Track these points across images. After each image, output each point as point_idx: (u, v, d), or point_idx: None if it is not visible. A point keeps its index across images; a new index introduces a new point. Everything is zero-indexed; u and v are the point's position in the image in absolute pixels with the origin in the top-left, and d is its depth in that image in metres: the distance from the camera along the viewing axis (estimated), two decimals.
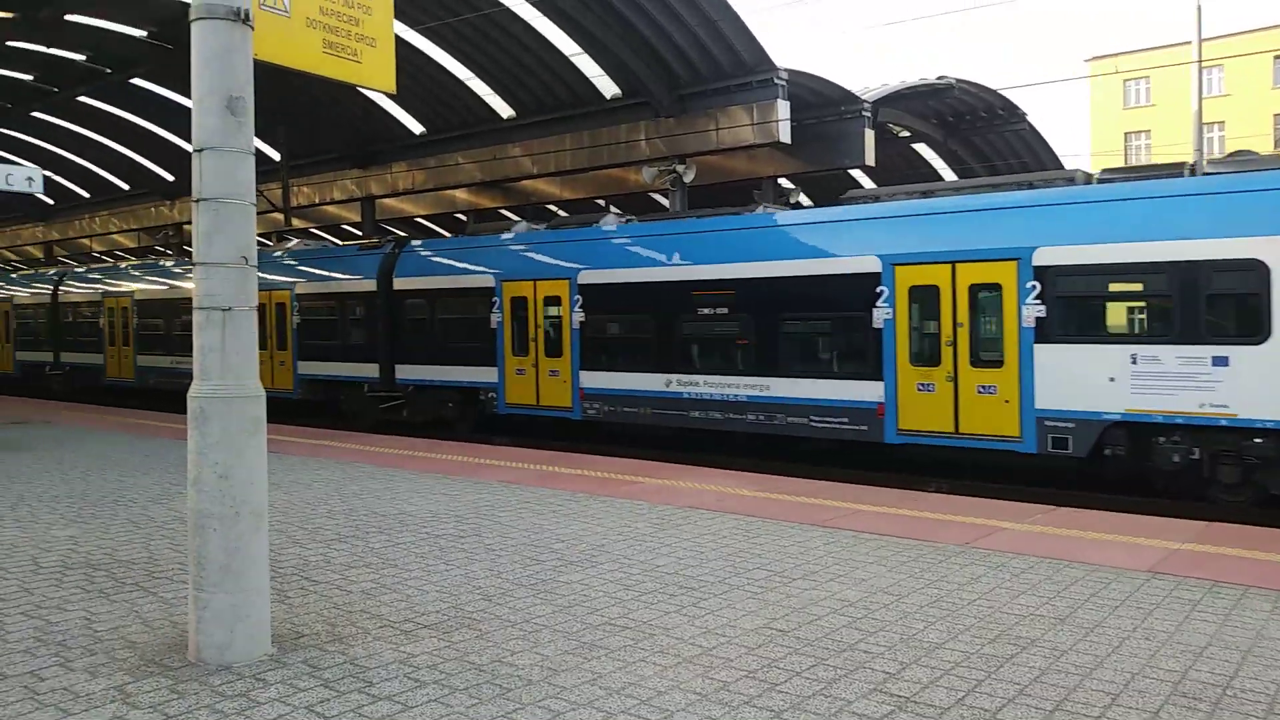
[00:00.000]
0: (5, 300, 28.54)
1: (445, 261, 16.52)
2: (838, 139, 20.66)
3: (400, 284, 16.96)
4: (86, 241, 42.69)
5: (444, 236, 19.20)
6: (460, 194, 29.62)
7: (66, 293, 26.00)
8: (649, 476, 9.54)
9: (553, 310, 14.60)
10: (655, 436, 14.62)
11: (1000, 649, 4.51)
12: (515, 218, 32.18)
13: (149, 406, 20.69)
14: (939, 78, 22.05)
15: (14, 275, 30.41)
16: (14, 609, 5.21)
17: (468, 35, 21.39)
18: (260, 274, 17.49)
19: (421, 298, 16.71)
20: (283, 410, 18.25)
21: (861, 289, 11.30)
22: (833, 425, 11.63)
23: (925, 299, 10.97)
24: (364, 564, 6.15)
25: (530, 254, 15.26)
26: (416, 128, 27.46)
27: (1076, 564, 6.02)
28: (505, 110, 24.82)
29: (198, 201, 4.06)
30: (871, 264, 11.26)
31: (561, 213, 32.07)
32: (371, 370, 17.19)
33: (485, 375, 15.42)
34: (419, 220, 37.52)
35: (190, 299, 14.84)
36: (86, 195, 40.34)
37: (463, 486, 9.04)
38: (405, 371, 16.81)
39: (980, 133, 25.83)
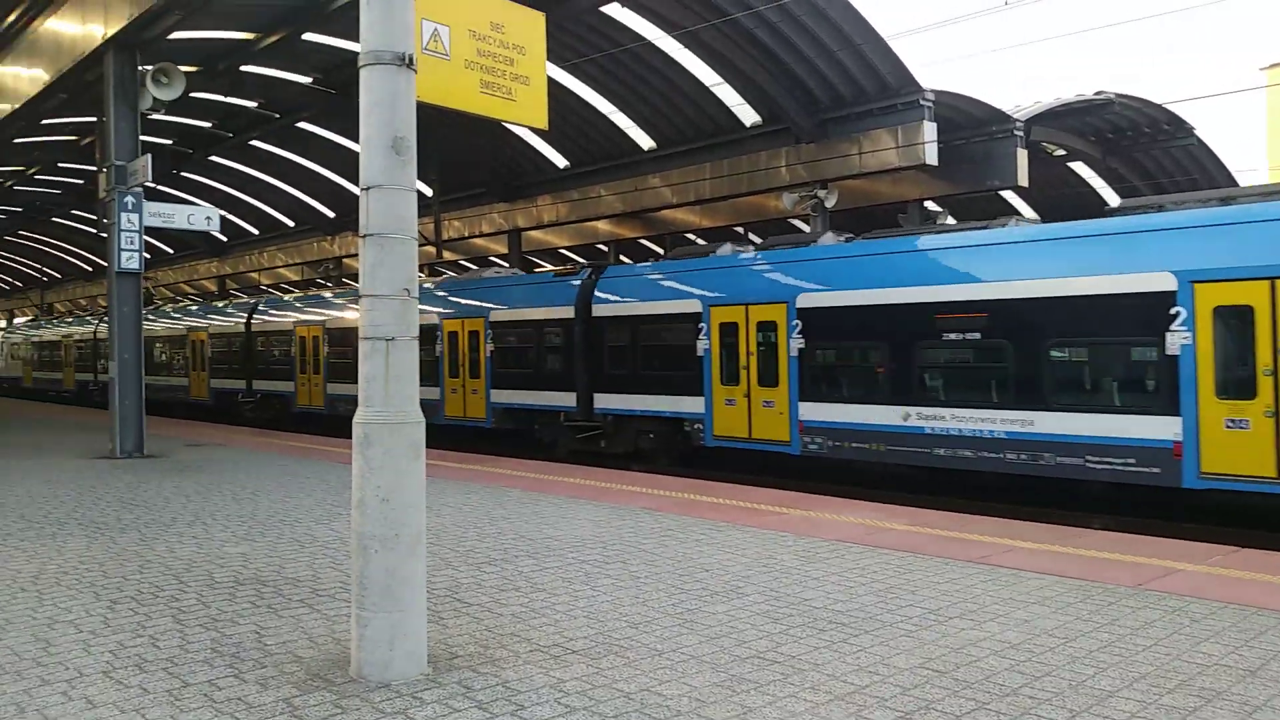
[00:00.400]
0: (201, 330, 30.13)
1: (647, 286, 16.00)
2: (987, 160, 20.01)
3: (599, 310, 16.56)
4: (255, 275, 45.63)
5: (647, 260, 19.04)
6: (602, 225, 30.20)
7: (260, 322, 26.68)
8: (792, 508, 9.39)
9: (767, 336, 13.74)
10: (890, 475, 13.39)
11: (1181, 700, 4.19)
12: (655, 248, 32.45)
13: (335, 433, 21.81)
14: (1097, 93, 21.09)
15: (210, 305, 32.19)
16: (193, 621, 5.54)
17: (611, 70, 21.86)
18: (455, 299, 18.06)
19: (622, 324, 16.22)
20: (476, 438, 19.02)
21: (1151, 310, 10.00)
22: (1115, 467, 10.23)
23: (1235, 320, 9.58)
24: (513, 587, 6.27)
25: (741, 277, 14.43)
26: (560, 161, 28.20)
27: (1267, 611, 5.55)
28: (646, 142, 25.19)
29: (364, 237, 4.28)
30: (1165, 281, 9.89)
31: (701, 243, 32.21)
32: (568, 399, 16.84)
33: (691, 405, 14.75)
34: (562, 251, 38.42)
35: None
36: (256, 232, 43.17)
37: (607, 513, 9.12)
38: (604, 401, 16.39)
39: (1144, 149, 24.50)
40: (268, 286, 46.03)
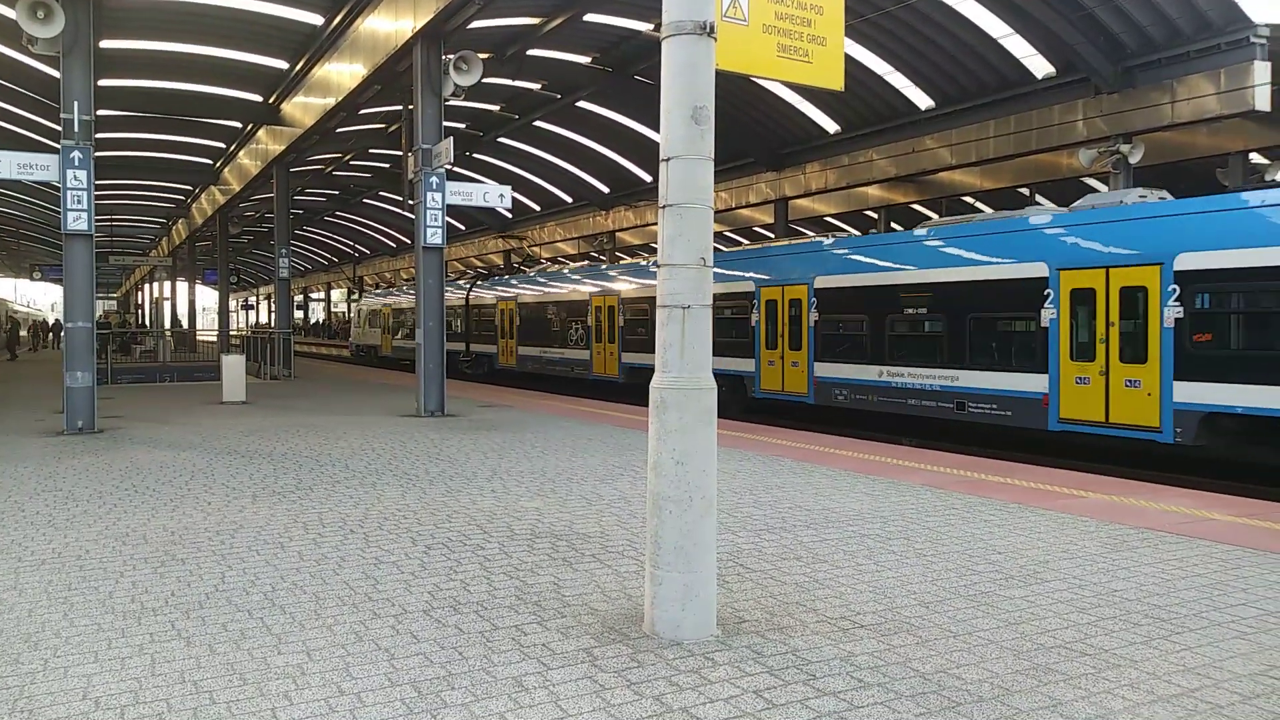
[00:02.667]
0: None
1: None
2: None
3: None
4: (536, 249, 48.44)
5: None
6: (872, 190, 29.33)
7: (475, 297, 31.74)
8: (1091, 491, 8.69)
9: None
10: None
11: None
12: (930, 213, 31.16)
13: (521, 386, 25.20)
14: None
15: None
16: (498, 569, 5.97)
17: (888, 28, 21.05)
18: (775, 265, 19.03)
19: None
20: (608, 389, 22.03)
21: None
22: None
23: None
24: (794, 557, 6.25)
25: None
26: (831, 126, 27.60)
27: None
28: (924, 101, 24.11)
29: (664, 208, 4.36)
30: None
31: (980, 205, 30.44)
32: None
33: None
34: (828, 219, 37.70)
35: (544, 303, 20.03)
36: (537, 209, 45.72)
37: (884, 487, 8.88)
38: None
39: None
40: (547, 259, 48.69)
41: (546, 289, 26.68)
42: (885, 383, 14.93)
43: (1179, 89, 17.79)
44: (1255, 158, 20.49)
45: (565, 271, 27.44)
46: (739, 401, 18.21)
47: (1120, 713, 3.75)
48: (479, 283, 32.46)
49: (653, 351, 17.78)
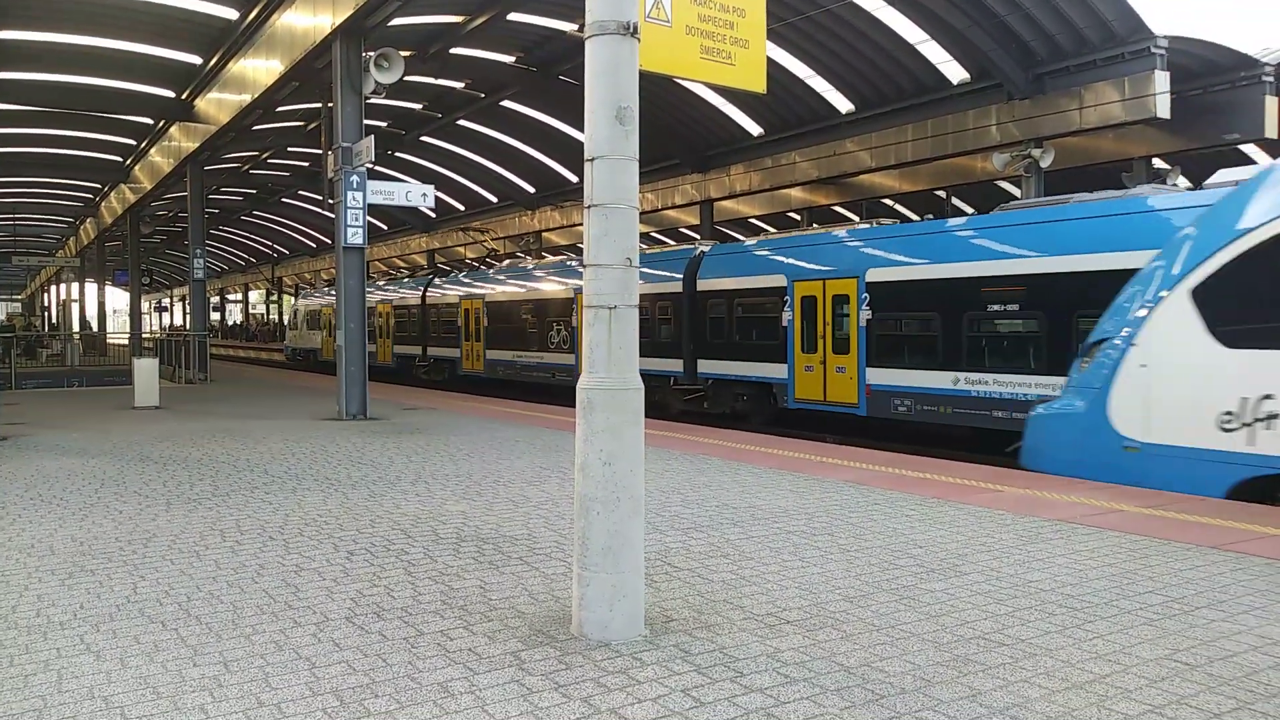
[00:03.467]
0: (386, 302, 33.20)
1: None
2: (1228, 110, 18.25)
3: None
4: (461, 250, 47.96)
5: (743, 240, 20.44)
6: (795, 192, 29.75)
7: (434, 295, 29.85)
8: (1007, 485, 8.94)
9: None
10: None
11: None
12: (850, 215, 31.81)
13: (493, 394, 22.84)
14: None
15: (390, 282, 35.62)
16: (423, 574, 5.88)
17: (809, 33, 21.37)
18: (815, 254, 19.07)
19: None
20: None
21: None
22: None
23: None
24: (721, 554, 6.29)
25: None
26: (754, 129, 27.92)
27: None
28: (844, 105, 24.53)
29: (589, 208, 4.35)
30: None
31: (899, 207, 31.10)
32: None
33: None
34: (753, 221, 38.12)
35: (528, 302, 16.96)
36: (462, 208, 45.26)
37: (809, 484, 9.00)
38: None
39: None
40: (473, 260, 48.23)
41: (522, 285, 24.70)
42: (962, 392, 13.20)
43: (1086, 95, 18.45)
44: (1157, 162, 21.35)
45: (542, 266, 25.36)
46: (765, 411, 16.91)
47: (1037, 700, 3.86)
48: (437, 280, 30.44)
49: (656, 355, 17.50)
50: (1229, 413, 8.00)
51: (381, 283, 36.69)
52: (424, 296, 30.32)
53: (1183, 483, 8.35)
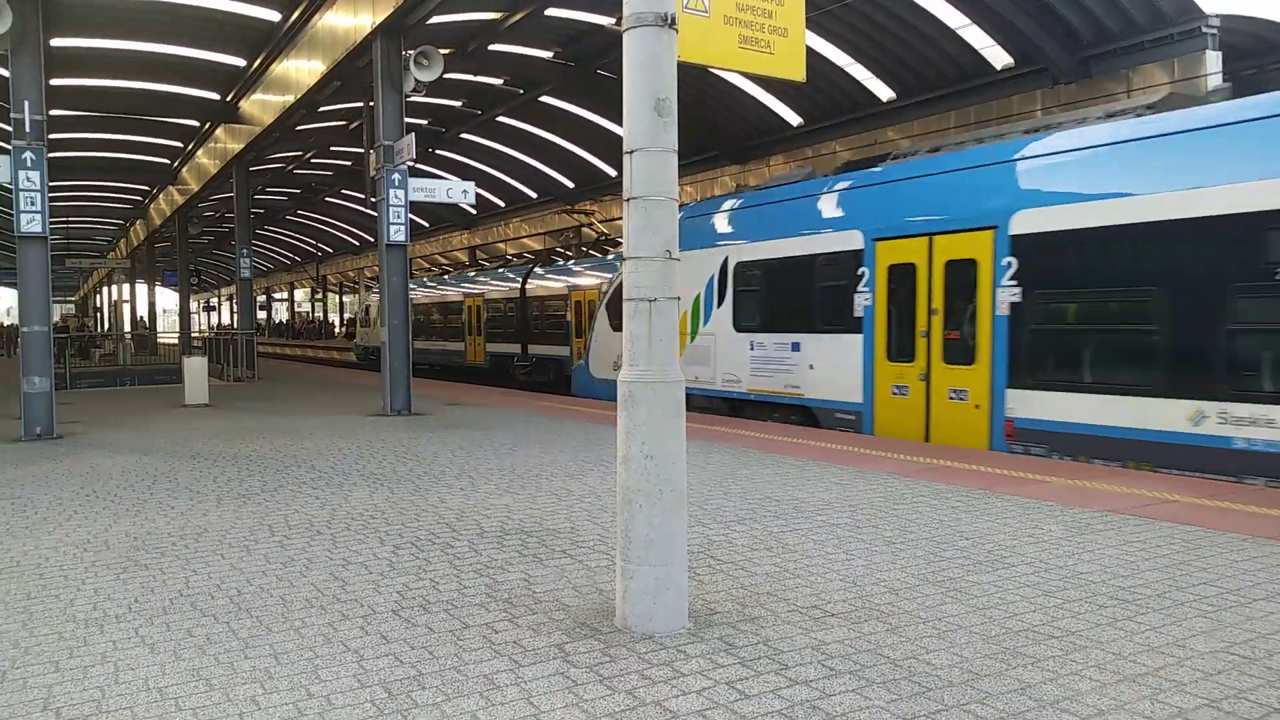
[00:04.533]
0: (475, 295, 33.11)
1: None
2: None
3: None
4: (502, 245, 48.21)
5: None
6: None
7: (536, 286, 28.21)
8: (1056, 475, 8.80)
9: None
10: None
11: None
12: None
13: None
14: None
15: (482, 273, 35.28)
16: (468, 567, 5.93)
17: (849, 20, 21.15)
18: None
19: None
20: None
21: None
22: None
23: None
24: (764, 547, 6.27)
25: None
26: (794, 119, 27.71)
27: None
28: (885, 93, 24.26)
29: (628, 200, 4.35)
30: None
31: None
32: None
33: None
34: None
35: (520, 299, 21.19)
36: (502, 204, 45.49)
37: (851, 476, 8.93)
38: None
39: None
40: (513, 255, 48.45)
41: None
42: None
43: (1134, 78, 18.06)
44: None
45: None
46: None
47: (1087, 693, 3.80)
48: (539, 269, 27.88)
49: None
50: (616, 361, 11.50)
51: (471, 273, 35.24)
52: (523, 288, 27.66)
53: (609, 395, 11.81)
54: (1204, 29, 16.90)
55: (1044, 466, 9.29)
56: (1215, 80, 16.67)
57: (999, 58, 21.13)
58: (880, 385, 11.13)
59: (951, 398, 10.22)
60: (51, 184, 17.58)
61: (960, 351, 10.18)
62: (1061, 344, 9.36)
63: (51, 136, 18.69)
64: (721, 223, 14.10)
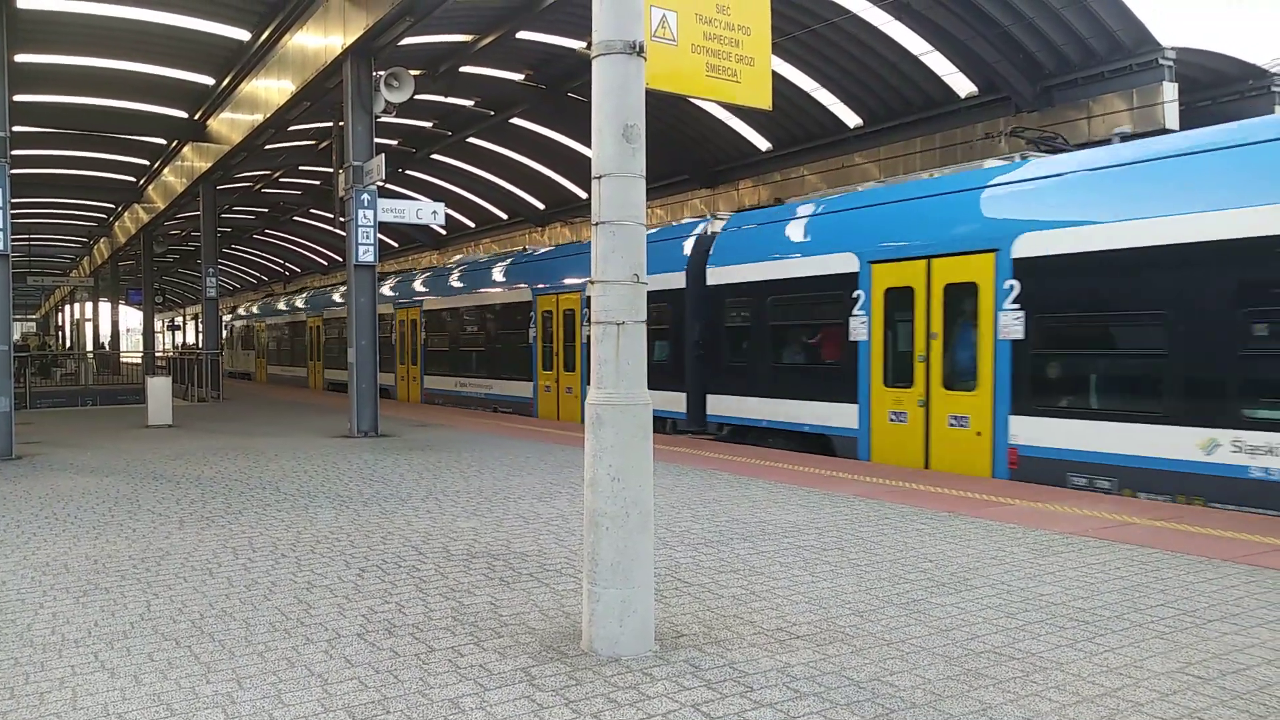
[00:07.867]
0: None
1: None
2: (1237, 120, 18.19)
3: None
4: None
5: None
6: None
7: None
8: (1018, 499, 8.91)
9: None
10: None
11: None
12: None
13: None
14: None
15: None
16: (434, 590, 5.90)
17: (815, 46, 21.45)
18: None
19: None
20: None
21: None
22: None
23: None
24: (731, 570, 6.29)
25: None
26: (763, 144, 27.98)
27: None
28: (852, 119, 24.59)
29: (597, 225, 4.39)
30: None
31: None
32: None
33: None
34: None
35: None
36: (472, 225, 45.43)
37: (819, 499, 8.99)
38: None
39: None
40: None
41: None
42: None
43: (1094, 107, 18.45)
44: None
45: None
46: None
47: (1048, 714, 3.85)
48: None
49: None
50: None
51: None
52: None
53: None
54: (1160, 60, 17.32)
55: (1008, 490, 9.41)
56: (1172, 110, 17.08)
57: (963, 85, 21.51)
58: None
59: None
60: (14, 200, 17.36)
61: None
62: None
63: (14, 153, 18.49)
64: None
